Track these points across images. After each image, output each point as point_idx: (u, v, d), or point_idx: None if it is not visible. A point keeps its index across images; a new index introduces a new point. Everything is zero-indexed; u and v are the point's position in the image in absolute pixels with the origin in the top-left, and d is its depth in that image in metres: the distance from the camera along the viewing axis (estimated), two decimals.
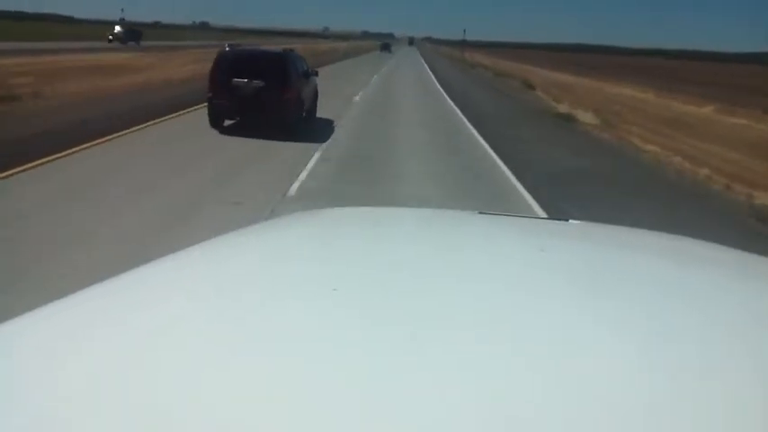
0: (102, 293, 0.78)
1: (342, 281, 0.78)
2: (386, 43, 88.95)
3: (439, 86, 26.11)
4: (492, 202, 6.78)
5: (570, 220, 1.34)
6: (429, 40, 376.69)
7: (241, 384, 0.53)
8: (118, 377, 0.54)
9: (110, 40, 45.04)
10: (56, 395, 0.52)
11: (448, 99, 20.18)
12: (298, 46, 24.85)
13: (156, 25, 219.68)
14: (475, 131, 12.82)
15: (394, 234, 1.12)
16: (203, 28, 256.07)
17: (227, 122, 10.34)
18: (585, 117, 15.89)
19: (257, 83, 9.94)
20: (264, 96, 9.86)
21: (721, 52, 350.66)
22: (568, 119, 15.92)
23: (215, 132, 10.02)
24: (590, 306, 0.73)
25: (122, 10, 77.10)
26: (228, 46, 11.24)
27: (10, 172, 6.54)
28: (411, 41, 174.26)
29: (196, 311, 0.69)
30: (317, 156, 8.82)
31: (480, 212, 1.35)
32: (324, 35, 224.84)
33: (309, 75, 11.76)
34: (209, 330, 0.64)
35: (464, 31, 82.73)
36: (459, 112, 16.46)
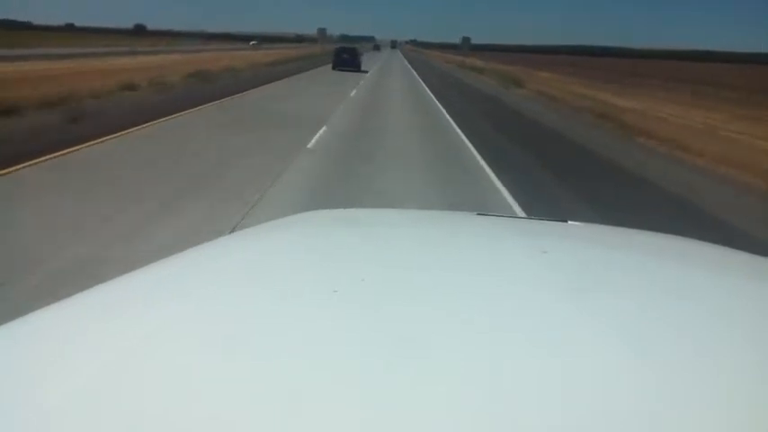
0: (104, 294, 0.79)
1: (342, 282, 0.77)
2: (376, 45, 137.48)
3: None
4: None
5: (569, 221, 1.33)
6: (413, 43, 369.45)
7: (241, 386, 0.53)
8: (116, 378, 0.55)
9: None
10: (55, 396, 0.52)
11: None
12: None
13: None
14: None
15: (394, 235, 1.12)
16: (69, 30, 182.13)
17: (338, 68, 33.94)
18: None
19: (348, 56, 34.60)
20: (351, 60, 34.37)
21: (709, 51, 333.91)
22: None
23: (334, 71, 33.26)
24: (594, 307, 0.73)
25: None
26: (339, 45, 37.64)
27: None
28: (394, 45, 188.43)
29: (196, 313, 0.69)
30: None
31: (479, 214, 1.36)
32: (298, 39, 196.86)
33: (361, 54, 36.63)
34: (209, 332, 0.64)
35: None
36: None
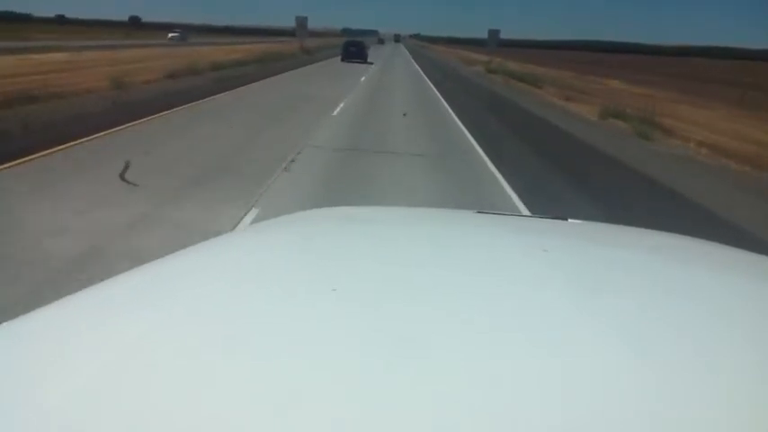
0: (104, 293, 0.79)
1: (341, 281, 0.77)
2: (380, 39, 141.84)
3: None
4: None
5: (569, 219, 1.31)
6: (417, 37, 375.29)
7: (240, 385, 0.53)
8: (116, 378, 0.55)
9: None
10: (55, 396, 0.52)
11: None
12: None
13: None
14: None
15: (394, 234, 1.11)
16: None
17: (346, 60, 34.57)
18: None
19: (356, 48, 35.71)
20: (358, 52, 35.44)
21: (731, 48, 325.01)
22: None
23: (343, 63, 33.78)
24: (594, 306, 0.72)
25: None
26: (348, 39, 38.64)
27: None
28: (397, 39, 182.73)
29: (196, 312, 0.69)
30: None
31: (479, 212, 1.34)
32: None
33: (367, 47, 37.45)
34: (208, 331, 0.64)
35: None
36: None
